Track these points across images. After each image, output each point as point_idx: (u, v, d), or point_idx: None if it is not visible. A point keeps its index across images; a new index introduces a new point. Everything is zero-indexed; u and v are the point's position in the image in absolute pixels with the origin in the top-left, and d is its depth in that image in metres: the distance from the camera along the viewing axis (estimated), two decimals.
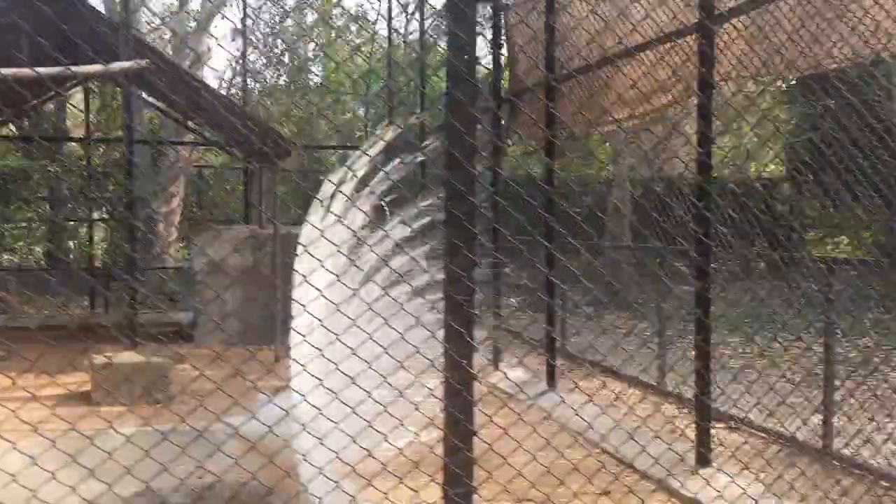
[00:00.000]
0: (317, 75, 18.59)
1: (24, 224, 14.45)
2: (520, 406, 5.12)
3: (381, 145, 3.56)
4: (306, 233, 3.38)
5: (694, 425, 4.67)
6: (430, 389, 2.88)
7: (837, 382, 5.18)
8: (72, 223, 13.85)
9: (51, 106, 14.35)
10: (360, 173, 3.60)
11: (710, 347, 4.44)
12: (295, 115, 16.43)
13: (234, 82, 16.36)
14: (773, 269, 5.29)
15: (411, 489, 2.50)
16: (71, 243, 14.45)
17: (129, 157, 7.79)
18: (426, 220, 4.38)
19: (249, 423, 3.38)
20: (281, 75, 17.08)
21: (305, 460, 2.66)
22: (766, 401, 4.98)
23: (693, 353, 4.88)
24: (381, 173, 4.08)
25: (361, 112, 17.67)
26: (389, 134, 3.48)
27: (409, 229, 4.27)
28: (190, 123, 10.78)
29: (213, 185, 15.75)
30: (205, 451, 2.93)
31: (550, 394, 6.20)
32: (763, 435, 5.41)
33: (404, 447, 3.10)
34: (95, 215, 13.55)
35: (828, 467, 4.79)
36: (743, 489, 3.65)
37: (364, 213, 4.13)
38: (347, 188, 3.59)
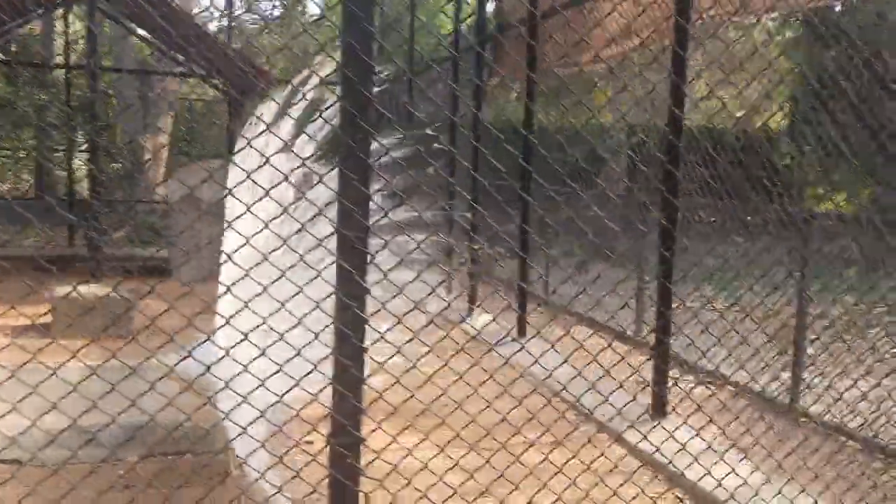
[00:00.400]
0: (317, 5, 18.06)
1: (8, 154, 14.25)
2: (485, 355, 4.97)
3: (315, 81, 3.34)
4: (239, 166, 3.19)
5: (653, 371, 4.55)
6: (380, 333, 2.72)
7: (813, 337, 5.04)
8: (57, 154, 13.65)
9: (36, 31, 14.01)
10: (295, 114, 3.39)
11: (671, 285, 4.29)
12: (292, 48, 16.02)
13: (229, 13, 15.92)
14: (768, 225, 5.09)
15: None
16: (59, 174, 14.26)
17: (91, 83, 7.55)
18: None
19: (186, 361, 3.25)
20: (276, 7, 16.60)
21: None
22: (737, 354, 4.84)
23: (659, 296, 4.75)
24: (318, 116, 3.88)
25: None
26: (326, 69, 3.23)
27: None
28: (177, 56, 10.49)
29: (200, 119, 15.48)
30: (141, 388, 2.80)
31: (517, 343, 6.08)
32: (731, 389, 5.31)
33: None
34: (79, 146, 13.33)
35: (796, 425, 4.69)
36: (708, 444, 3.50)
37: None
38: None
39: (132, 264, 8.02)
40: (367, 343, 2.81)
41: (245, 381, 2.46)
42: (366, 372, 1.83)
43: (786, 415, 4.85)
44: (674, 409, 4.61)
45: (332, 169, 3.78)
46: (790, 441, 4.17)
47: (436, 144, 3.82)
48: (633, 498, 3.36)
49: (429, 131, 3.69)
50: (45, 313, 5.89)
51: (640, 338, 6.56)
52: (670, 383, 4.63)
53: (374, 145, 3.68)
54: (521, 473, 2.76)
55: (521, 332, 6.29)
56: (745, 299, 5.33)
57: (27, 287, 6.15)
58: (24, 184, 14.81)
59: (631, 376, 5.00)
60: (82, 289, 6.03)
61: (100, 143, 10.85)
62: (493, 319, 6.81)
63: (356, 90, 1.76)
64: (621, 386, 5.02)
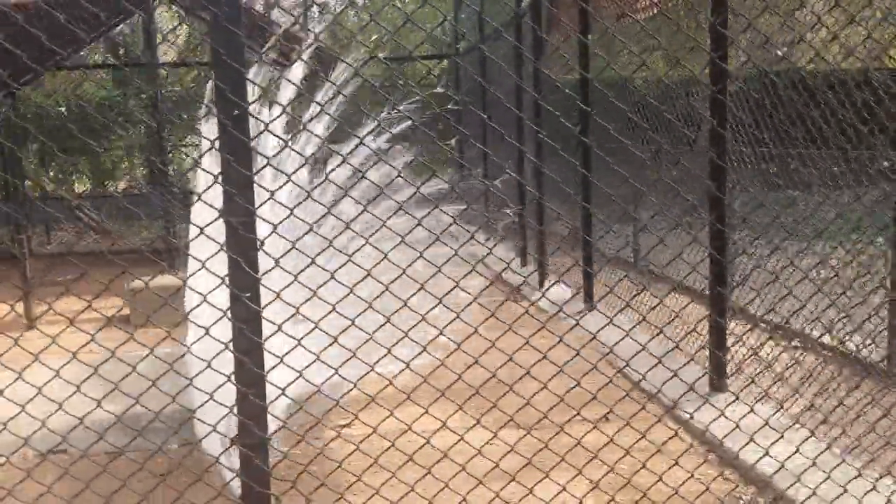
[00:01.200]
0: None
1: (121, 152, 15.01)
2: (540, 329, 4.73)
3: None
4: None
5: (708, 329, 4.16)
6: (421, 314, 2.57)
7: None
8: (167, 148, 14.26)
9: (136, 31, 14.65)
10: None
11: (725, 227, 3.88)
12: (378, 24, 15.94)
13: None
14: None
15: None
16: (170, 169, 14.92)
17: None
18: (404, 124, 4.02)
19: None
20: None
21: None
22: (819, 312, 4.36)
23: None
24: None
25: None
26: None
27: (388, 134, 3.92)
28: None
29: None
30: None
31: (586, 314, 5.79)
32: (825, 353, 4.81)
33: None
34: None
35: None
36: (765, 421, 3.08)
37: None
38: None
39: None
40: (408, 323, 2.65)
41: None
42: (266, 364, 1.69)
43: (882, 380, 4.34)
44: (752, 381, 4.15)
45: (355, 148, 3.67)
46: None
47: (451, 105, 3.60)
48: (682, 483, 3.03)
49: (439, 88, 3.50)
50: (123, 307, 6.15)
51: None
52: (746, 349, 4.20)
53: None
54: (561, 454, 2.56)
55: (588, 299, 5.98)
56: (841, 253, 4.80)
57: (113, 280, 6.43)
58: (135, 181, 15.60)
59: (700, 350, 4.65)
60: (158, 280, 6.24)
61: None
62: (549, 286, 6.52)
63: (227, 65, 1.60)
64: (692, 359, 4.68)
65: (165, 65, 13.70)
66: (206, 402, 2.09)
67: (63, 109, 12.87)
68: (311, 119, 3.92)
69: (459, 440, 2.45)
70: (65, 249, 10.67)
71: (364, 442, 2.42)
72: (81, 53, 13.03)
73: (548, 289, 6.58)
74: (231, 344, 1.86)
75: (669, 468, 2.86)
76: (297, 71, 3.68)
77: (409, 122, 3.72)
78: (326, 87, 3.89)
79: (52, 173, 14.06)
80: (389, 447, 2.43)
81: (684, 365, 4.44)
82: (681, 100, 5.29)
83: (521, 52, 7.04)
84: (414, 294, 2.44)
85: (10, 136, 9.41)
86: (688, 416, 3.87)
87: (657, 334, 4.94)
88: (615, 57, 5.64)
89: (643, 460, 2.95)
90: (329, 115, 3.97)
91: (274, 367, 2.12)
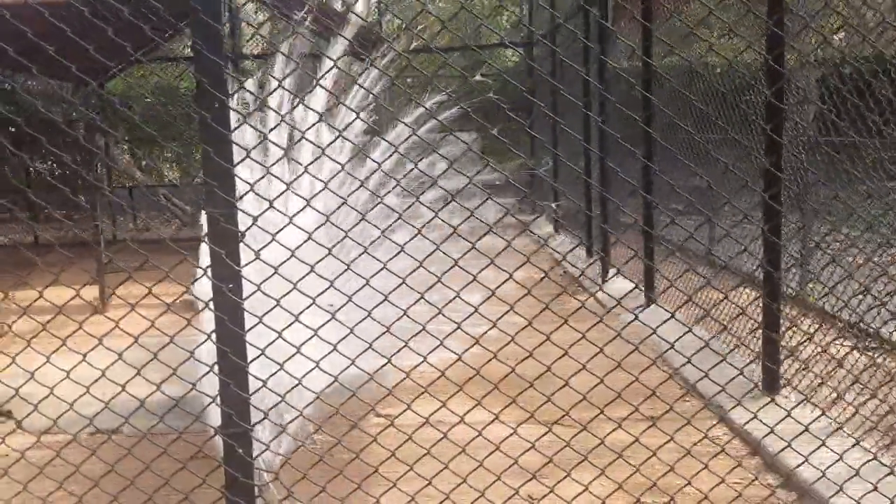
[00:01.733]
0: None
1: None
2: (612, 321, 4.60)
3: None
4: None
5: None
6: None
7: None
8: None
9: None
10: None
11: (779, 204, 3.67)
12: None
13: None
14: None
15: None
16: None
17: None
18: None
19: None
20: None
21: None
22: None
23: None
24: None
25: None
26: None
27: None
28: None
29: None
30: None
31: (646, 308, 5.63)
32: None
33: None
34: None
35: None
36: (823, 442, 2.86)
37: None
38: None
39: None
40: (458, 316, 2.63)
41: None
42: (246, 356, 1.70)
43: None
44: (822, 383, 3.88)
45: (407, 139, 3.64)
46: None
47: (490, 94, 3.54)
48: (711, 489, 2.88)
49: (479, 77, 3.41)
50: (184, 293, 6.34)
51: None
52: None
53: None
54: (594, 452, 2.49)
55: (649, 293, 5.80)
56: None
57: (175, 266, 6.65)
58: None
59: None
60: None
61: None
62: (609, 277, 6.35)
63: (207, 58, 1.61)
64: (757, 358, 4.46)
65: (249, 57, 14.07)
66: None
67: (149, 99, 13.38)
68: (353, 101, 3.89)
69: (512, 434, 2.42)
70: (132, 236, 11.10)
71: (415, 433, 2.38)
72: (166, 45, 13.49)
73: (605, 281, 6.44)
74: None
75: (697, 472, 2.73)
76: (338, 48, 3.62)
77: (458, 109, 3.62)
78: (368, 68, 3.83)
79: (139, 162, 14.62)
80: (407, 440, 2.42)
81: (744, 366, 4.24)
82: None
83: (586, 42, 6.89)
84: (466, 286, 2.41)
85: (95, 127, 9.87)
86: (736, 421, 3.71)
87: (721, 331, 4.76)
88: (680, 43, 5.43)
89: (688, 465, 2.83)
90: (374, 95, 3.91)
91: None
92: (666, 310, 5.18)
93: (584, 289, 6.52)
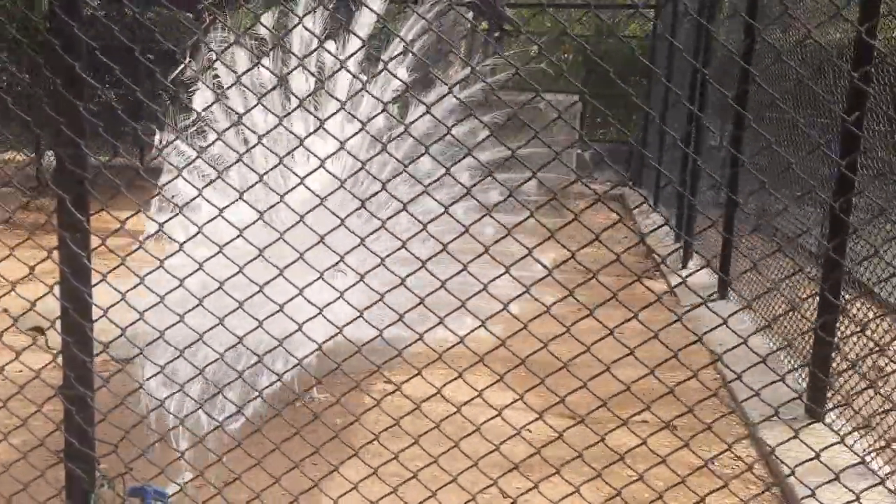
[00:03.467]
0: None
1: None
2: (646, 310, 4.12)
3: None
4: None
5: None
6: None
7: None
8: None
9: None
10: None
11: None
12: None
13: None
14: None
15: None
16: None
17: None
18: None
19: None
20: None
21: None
22: None
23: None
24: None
25: None
26: None
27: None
28: None
29: None
30: None
31: (720, 302, 5.11)
32: None
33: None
34: None
35: None
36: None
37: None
38: None
39: None
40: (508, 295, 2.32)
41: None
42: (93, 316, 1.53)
43: None
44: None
45: (440, 99, 3.37)
46: None
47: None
48: None
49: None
50: None
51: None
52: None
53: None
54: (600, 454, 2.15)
55: (722, 288, 5.27)
56: None
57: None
58: None
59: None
60: None
61: None
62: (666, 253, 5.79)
63: (62, 21, 1.42)
64: (815, 373, 3.89)
65: None
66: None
67: None
68: (393, 59, 3.63)
69: (537, 419, 2.13)
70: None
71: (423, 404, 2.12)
72: None
73: (684, 268, 5.93)
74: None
75: (711, 492, 2.33)
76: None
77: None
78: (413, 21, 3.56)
79: None
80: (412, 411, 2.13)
81: (785, 372, 3.72)
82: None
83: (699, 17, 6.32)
84: (515, 263, 2.09)
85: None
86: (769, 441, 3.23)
87: (785, 346, 4.19)
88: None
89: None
90: (418, 56, 3.64)
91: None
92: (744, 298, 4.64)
93: (662, 275, 6.05)
